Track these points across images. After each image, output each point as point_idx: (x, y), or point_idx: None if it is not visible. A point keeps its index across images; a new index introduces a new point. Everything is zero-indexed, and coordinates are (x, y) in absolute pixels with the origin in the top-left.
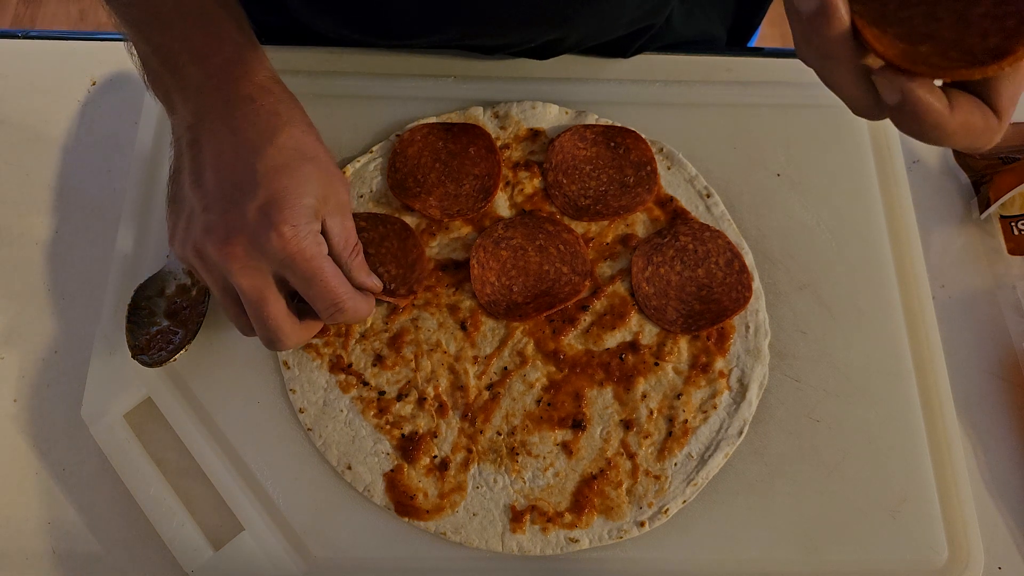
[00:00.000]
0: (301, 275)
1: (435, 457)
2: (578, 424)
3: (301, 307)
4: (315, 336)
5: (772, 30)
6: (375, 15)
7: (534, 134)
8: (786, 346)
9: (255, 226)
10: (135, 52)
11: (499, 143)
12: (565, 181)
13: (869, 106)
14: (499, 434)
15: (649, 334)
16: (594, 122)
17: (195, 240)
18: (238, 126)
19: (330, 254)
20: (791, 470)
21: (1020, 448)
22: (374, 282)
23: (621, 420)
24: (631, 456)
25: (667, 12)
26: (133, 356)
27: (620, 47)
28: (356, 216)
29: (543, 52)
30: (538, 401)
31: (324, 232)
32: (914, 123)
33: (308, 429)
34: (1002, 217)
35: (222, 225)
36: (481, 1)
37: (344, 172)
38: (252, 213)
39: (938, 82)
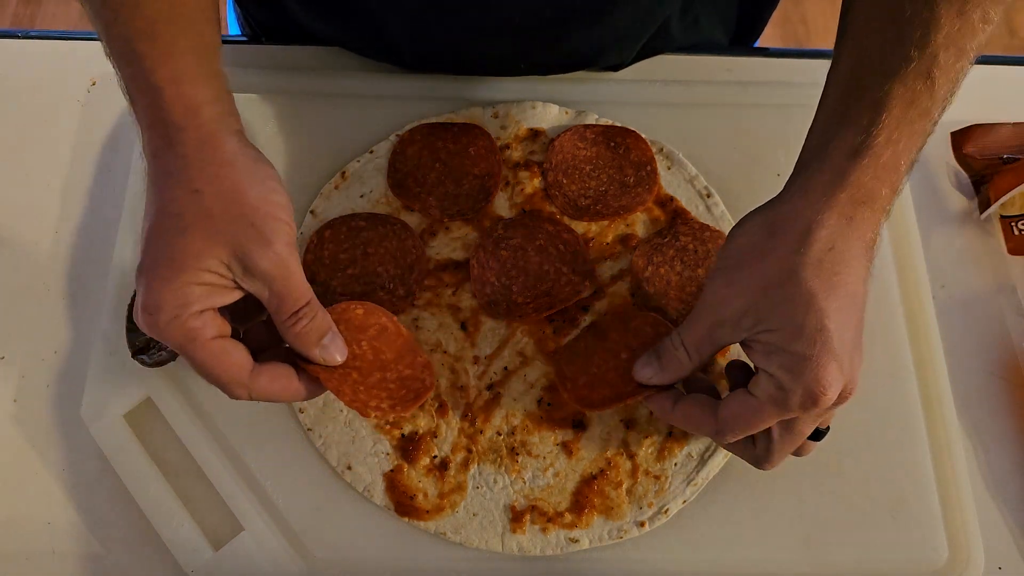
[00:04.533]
0: (186, 359)
1: (435, 457)
2: (578, 424)
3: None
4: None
5: (772, 30)
6: (372, 33)
7: (534, 134)
8: None
9: (135, 307)
10: None
11: (499, 143)
12: (565, 181)
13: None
14: (499, 434)
15: None
16: (594, 122)
17: None
18: (148, 186)
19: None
20: (791, 470)
21: (1020, 448)
22: (324, 354)
23: (621, 420)
24: (631, 456)
25: (659, 21)
26: (133, 356)
27: (612, 64)
28: (356, 216)
29: (532, 73)
30: (538, 401)
31: (256, 296)
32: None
33: (308, 429)
34: (1002, 217)
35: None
36: (473, 29)
37: (344, 173)
38: (136, 291)
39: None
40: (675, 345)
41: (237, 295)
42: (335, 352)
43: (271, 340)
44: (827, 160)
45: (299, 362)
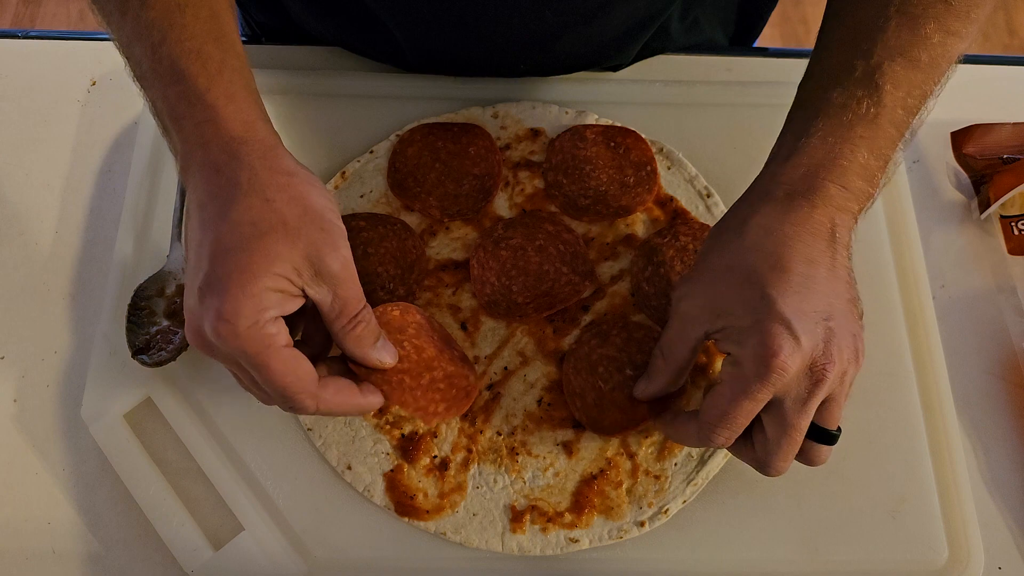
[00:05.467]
0: (251, 368)
1: (435, 457)
2: (578, 424)
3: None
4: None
5: (772, 30)
6: (374, 34)
7: (534, 134)
8: None
9: (203, 317)
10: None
11: (499, 143)
12: (565, 181)
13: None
14: (499, 434)
15: None
16: (594, 122)
17: None
18: (204, 200)
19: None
20: (791, 470)
21: (1020, 448)
22: (380, 356)
23: None
24: (631, 456)
25: (658, 22)
26: (133, 356)
27: (611, 64)
28: (356, 216)
29: (532, 74)
30: (538, 401)
31: (314, 303)
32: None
33: (308, 429)
34: (1002, 217)
35: (186, 308)
36: (473, 31)
37: (344, 173)
38: (200, 302)
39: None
40: (655, 354)
41: (299, 304)
42: (387, 355)
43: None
44: (766, 166)
45: (358, 372)
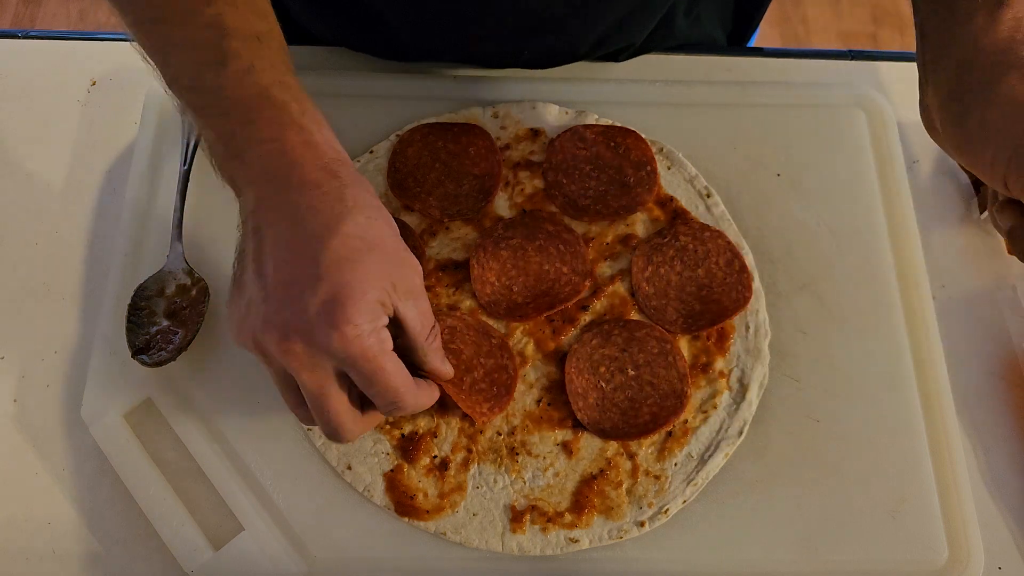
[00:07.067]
0: (363, 374)
1: (435, 457)
2: (578, 424)
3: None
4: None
5: (772, 30)
6: (372, 28)
7: (534, 134)
8: (786, 346)
9: (315, 324)
10: (201, 137)
11: (499, 143)
12: (565, 181)
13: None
14: (499, 434)
15: None
16: (594, 122)
17: (254, 331)
18: (301, 215)
19: (404, 340)
20: (791, 470)
21: (1020, 448)
22: (445, 369)
23: None
24: (631, 456)
25: (662, 11)
26: (133, 356)
27: (615, 49)
28: None
29: (534, 63)
30: (538, 401)
31: (398, 319)
32: None
33: (308, 429)
34: None
35: (281, 320)
36: (474, 15)
37: None
38: (313, 310)
39: None
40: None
41: (388, 319)
42: (449, 366)
43: None
44: None
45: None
